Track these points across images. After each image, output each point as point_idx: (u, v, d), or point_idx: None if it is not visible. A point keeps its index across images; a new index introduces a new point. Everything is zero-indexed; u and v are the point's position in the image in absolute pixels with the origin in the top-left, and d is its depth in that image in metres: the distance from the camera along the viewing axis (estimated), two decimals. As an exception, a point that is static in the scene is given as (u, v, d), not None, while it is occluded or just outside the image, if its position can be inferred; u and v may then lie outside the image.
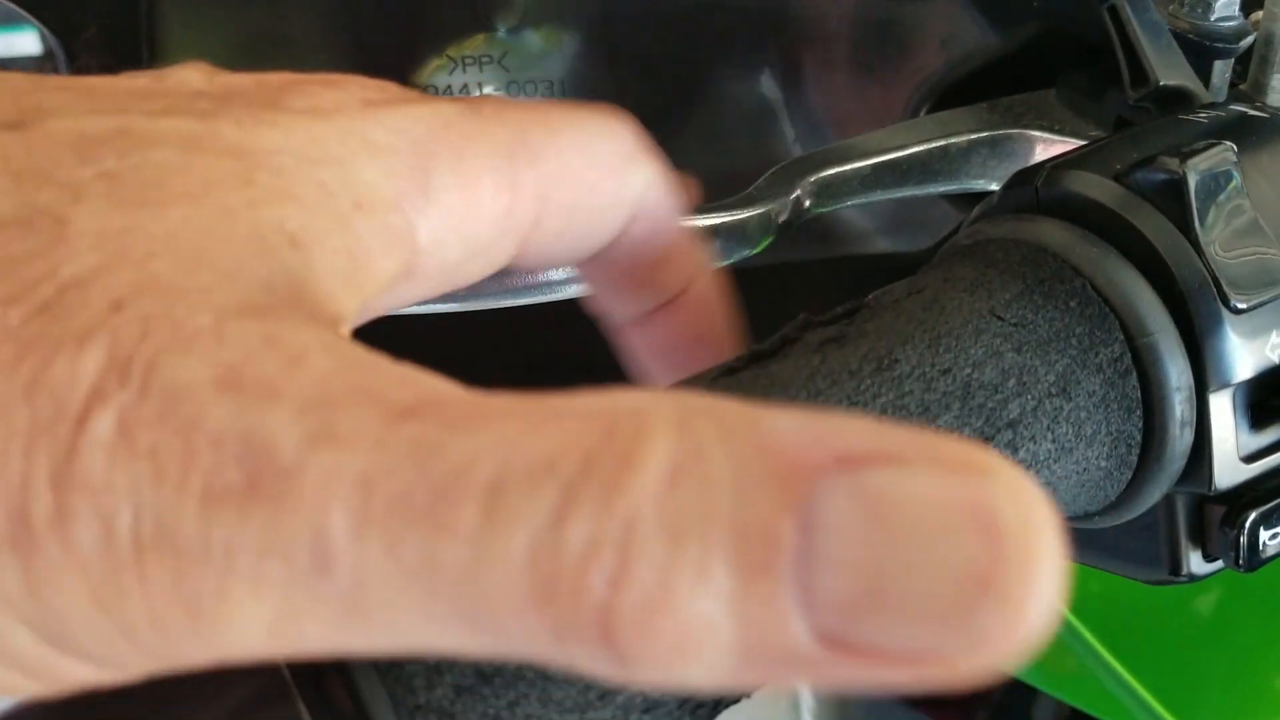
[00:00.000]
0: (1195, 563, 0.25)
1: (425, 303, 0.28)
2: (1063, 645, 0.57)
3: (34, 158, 0.14)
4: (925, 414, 0.21)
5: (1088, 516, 0.25)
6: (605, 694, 0.18)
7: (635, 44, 0.39)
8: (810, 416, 0.13)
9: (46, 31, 0.33)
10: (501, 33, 0.39)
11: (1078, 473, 0.22)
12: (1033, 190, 0.25)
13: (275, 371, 0.13)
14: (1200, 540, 0.25)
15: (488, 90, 0.40)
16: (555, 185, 0.19)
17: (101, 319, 0.13)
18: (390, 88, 0.18)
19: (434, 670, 0.17)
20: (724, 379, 0.22)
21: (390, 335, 0.17)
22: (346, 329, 0.16)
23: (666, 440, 0.12)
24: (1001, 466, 0.12)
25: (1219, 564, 0.25)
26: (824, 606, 0.12)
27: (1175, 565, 0.25)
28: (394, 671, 0.17)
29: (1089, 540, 0.27)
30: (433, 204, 0.17)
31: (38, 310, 0.13)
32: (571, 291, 0.29)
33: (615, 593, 0.12)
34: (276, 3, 0.38)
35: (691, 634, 0.12)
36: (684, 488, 0.12)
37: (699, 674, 0.12)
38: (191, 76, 0.17)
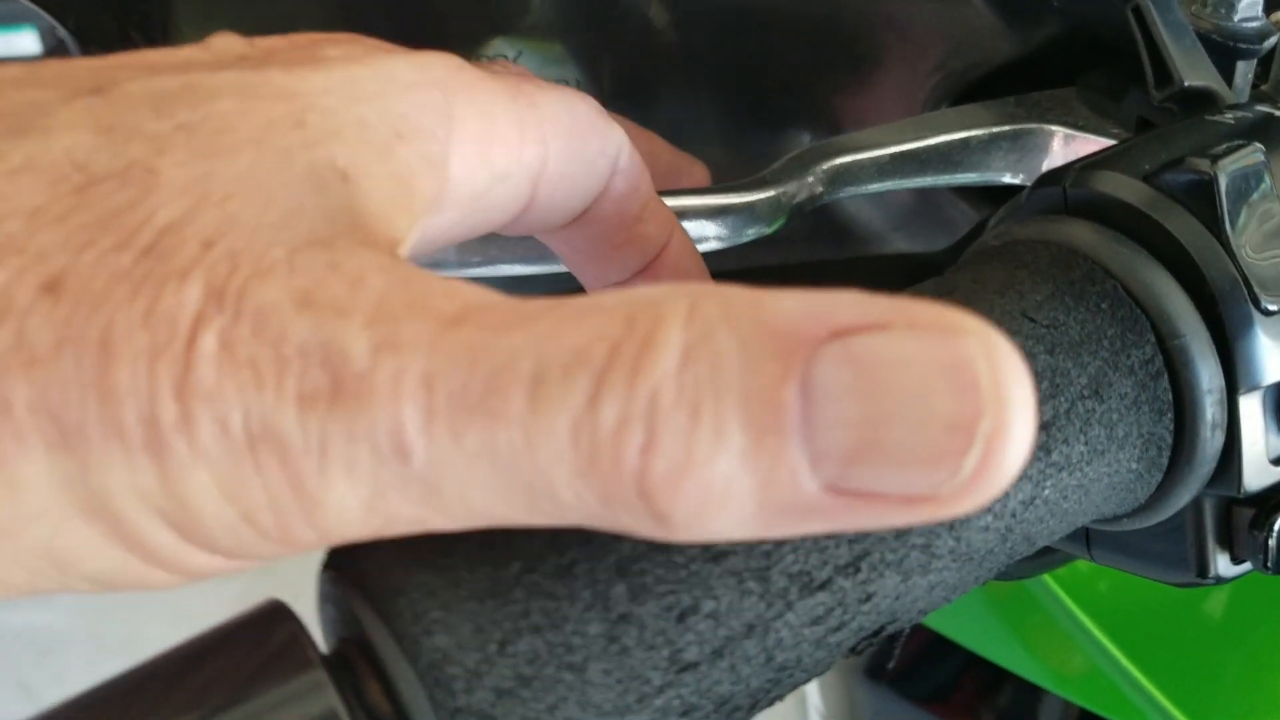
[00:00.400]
0: (1223, 565, 0.25)
1: (471, 265, 0.28)
2: (1073, 645, 0.56)
3: (119, 116, 0.16)
4: None
5: (1117, 519, 0.25)
6: (643, 697, 0.18)
7: (650, 43, 0.39)
8: (806, 295, 0.14)
9: (59, 26, 0.33)
10: (515, 33, 0.38)
11: (1109, 475, 0.22)
12: (1061, 191, 0.25)
13: (341, 292, 0.15)
14: (1228, 543, 0.25)
15: None
16: (552, 130, 0.21)
17: (197, 256, 0.15)
18: (397, 46, 0.20)
19: (473, 673, 0.17)
20: None
21: None
22: (403, 249, 0.18)
23: (679, 325, 0.14)
24: (974, 324, 0.14)
25: (1246, 566, 0.25)
26: (827, 459, 0.14)
27: (1203, 568, 0.25)
28: (434, 673, 0.17)
29: (1115, 543, 0.27)
30: (457, 131, 0.19)
31: (143, 253, 0.15)
32: None
33: (647, 460, 0.14)
34: (285, 2, 0.38)
35: (716, 490, 0.14)
36: (697, 365, 0.14)
37: (727, 527, 0.14)
38: (232, 42, 0.19)
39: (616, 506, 0.14)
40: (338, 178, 0.17)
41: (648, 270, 0.25)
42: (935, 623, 0.65)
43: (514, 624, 0.17)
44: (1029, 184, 0.33)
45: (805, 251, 0.40)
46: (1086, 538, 0.27)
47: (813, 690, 0.76)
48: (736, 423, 0.14)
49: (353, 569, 0.18)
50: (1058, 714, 0.69)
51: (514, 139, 0.20)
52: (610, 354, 0.14)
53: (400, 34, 0.38)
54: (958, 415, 0.13)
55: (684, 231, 0.25)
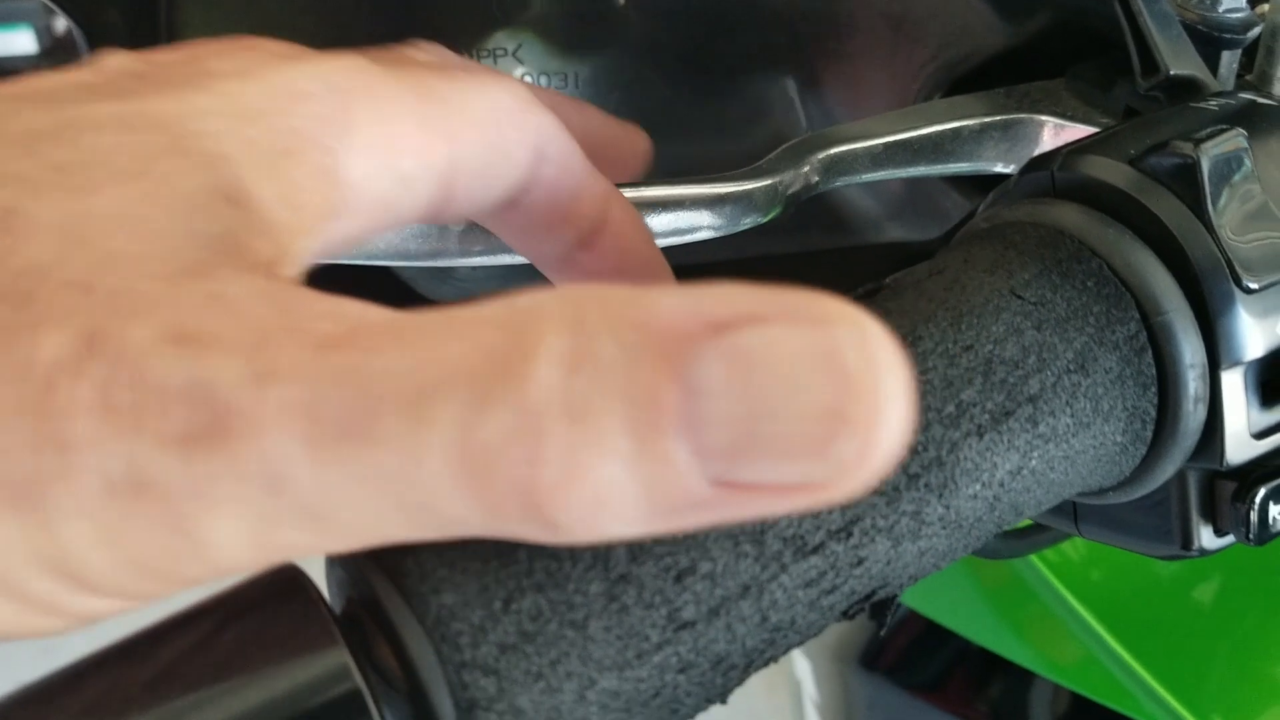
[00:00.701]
0: (1206, 538, 0.26)
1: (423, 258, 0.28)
2: (1067, 632, 0.57)
3: None
4: (949, 388, 0.22)
5: (1103, 492, 0.25)
6: (642, 653, 0.19)
7: (649, 35, 0.39)
8: (686, 292, 0.14)
9: (70, 21, 0.33)
10: (516, 25, 0.39)
11: (1094, 447, 0.23)
12: (1049, 175, 0.26)
13: (218, 324, 0.14)
14: (1211, 515, 0.25)
15: None
16: (462, 126, 0.21)
17: (67, 301, 0.14)
18: (300, 47, 0.20)
19: (479, 629, 0.18)
20: None
21: None
22: (293, 267, 0.17)
23: (559, 333, 0.14)
24: (846, 313, 0.14)
25: (1230, 539, 0.26)
26: (711, 455, 0.14)
27: (1187, 540, 0.26)
28: (440, 629, 0.18)
29: (1102, 517, 0.27)
30: (356, 139, 0.19)
31: (2, 300, 0.14)
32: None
33: (533, 472, 0.14)
34: (291, 8, 0.39)
35: (604, 495, 0.14)
36: (579, 373, 0.14)
37: (618, 528, 0.14)
38: (121, 60, 0.19)
39: (505, 518, 0.14)
40: (223, 203, 0.16)
41: (586, 244, 0.25)
42: (930, 610, 0.66)
43: (517, 582, 0.18)
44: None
45: (800, 241, 0.41)
46: (1074, 512, 0.28)
47: (808, 679, 0.76)
48: (620, 428, 0.14)
49: None
50: (1051, 701, 0.69)
51: (418, 140, 0.20)
52: (489, 367, 0.14)
53: (400, 27, 0.39)
54: (830, 404, 0.14)
55: (625, 203, 0.25)
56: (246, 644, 0.18)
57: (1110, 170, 0.25)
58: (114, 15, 0.35)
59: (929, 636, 0.69)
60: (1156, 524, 0.26)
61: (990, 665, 0.68)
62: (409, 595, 0.18)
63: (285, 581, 0.19)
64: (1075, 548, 0.56)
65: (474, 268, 0.34)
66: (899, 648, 0.73)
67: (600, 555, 0.19)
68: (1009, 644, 0.63)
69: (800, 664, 0.78)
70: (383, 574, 0.18)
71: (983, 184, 0.38)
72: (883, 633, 0.26)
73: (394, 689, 0.18)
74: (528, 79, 0.40)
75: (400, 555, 0.18)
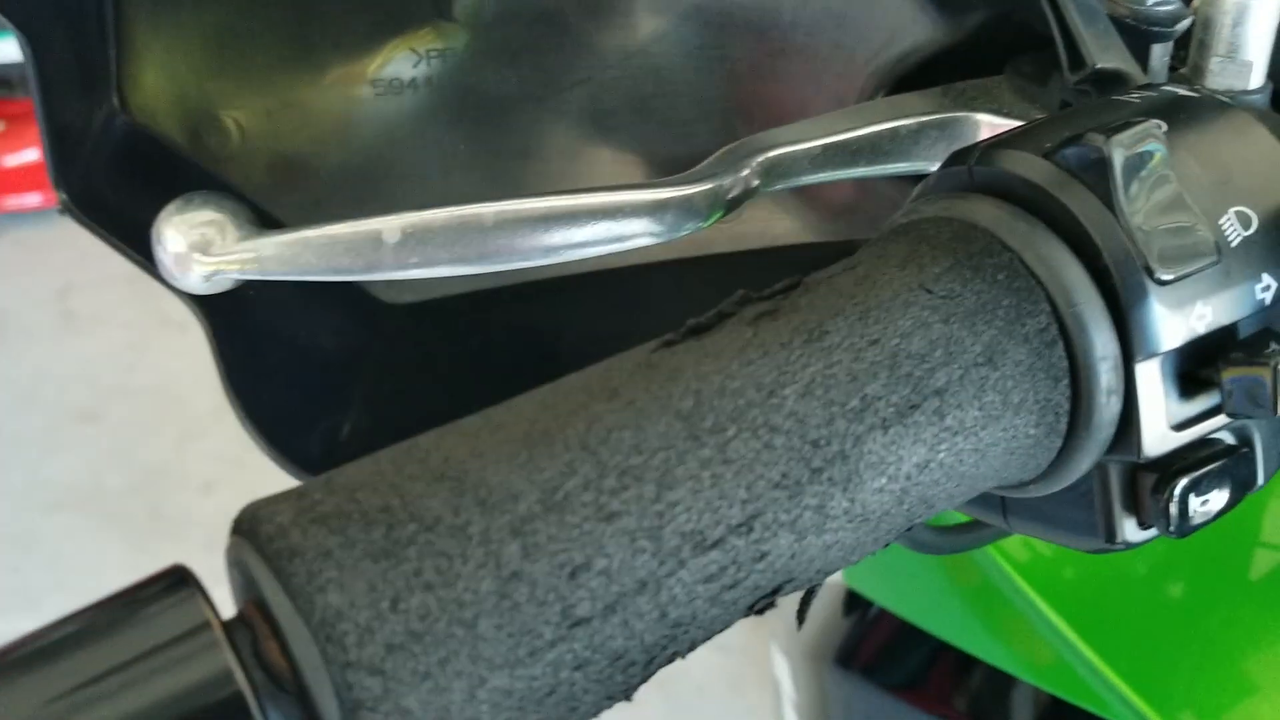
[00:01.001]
0: (1130, 530, 0.26)
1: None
2: (1038, 633, 0.57)
3: None
4: (853, 382, 0.22)
5: (1023, 485, 0.25)
6: (535, 651, 0.19)
7: (591, 33, 0.39)
8: None
9: (17, 30, 0.33)
10: (462, 23, 0.39)
11: (1006, 440, 0.23)
12: (967, 170, 0.25)
13: None
14: (1134, 508, 0.25)
15: (450, 81, 0.40)
16: None
17: None
18: None
19: (365, 629, 0.18)
20: (661, 351, 0.22)
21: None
22: None
23: None
24: None
25: (1154, 531, 0.26)
26: None
27: (1110, 533, 0.26)
28: (326, 630, 0.18)
29: (1029, 511, 0.27)
30: None
31: None
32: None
33: None
34: (242, 9, 0.39)
35: None
36: None
37: None
38: None
39: None
40: None
41: None
42: (905, 611, 0.66)
43: (406, 582, 0.18)
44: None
45: (755, 239, 0.41)
46: (1003, 507, 0.28)
47: (785, 679, 0.76)
48: None
49: (253, 532, 0.19)
50: (1028, 700, 0.69)
51: None
52: None
53: (349, 23, 0.39)
54: None
55: None
56: (132, 644, 0.18)
57: (1024, 164, 0.25)
58: (60, 32, 0.35)
59: (905, 636, 0.69)
60: (1081, 517, 0.26)
61: (966, 665, 0.68)
62: (295, 595, 0.18)
63: (173, 582, 0.19)
64: (1046, 545, 0.56)
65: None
66: (875, 647, 0.73)
67: (492, 553, 0.19)
68: (983, 644, 0.63)
69: (778, 664, 0.78)
70: (271, 574, 0.18)
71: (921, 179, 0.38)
72: (799, 627, 0.26)
73: (283, 689, 0.18)
74: (473, 76, 0.40)
75: (289, 555, 0.18)
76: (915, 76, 0.37)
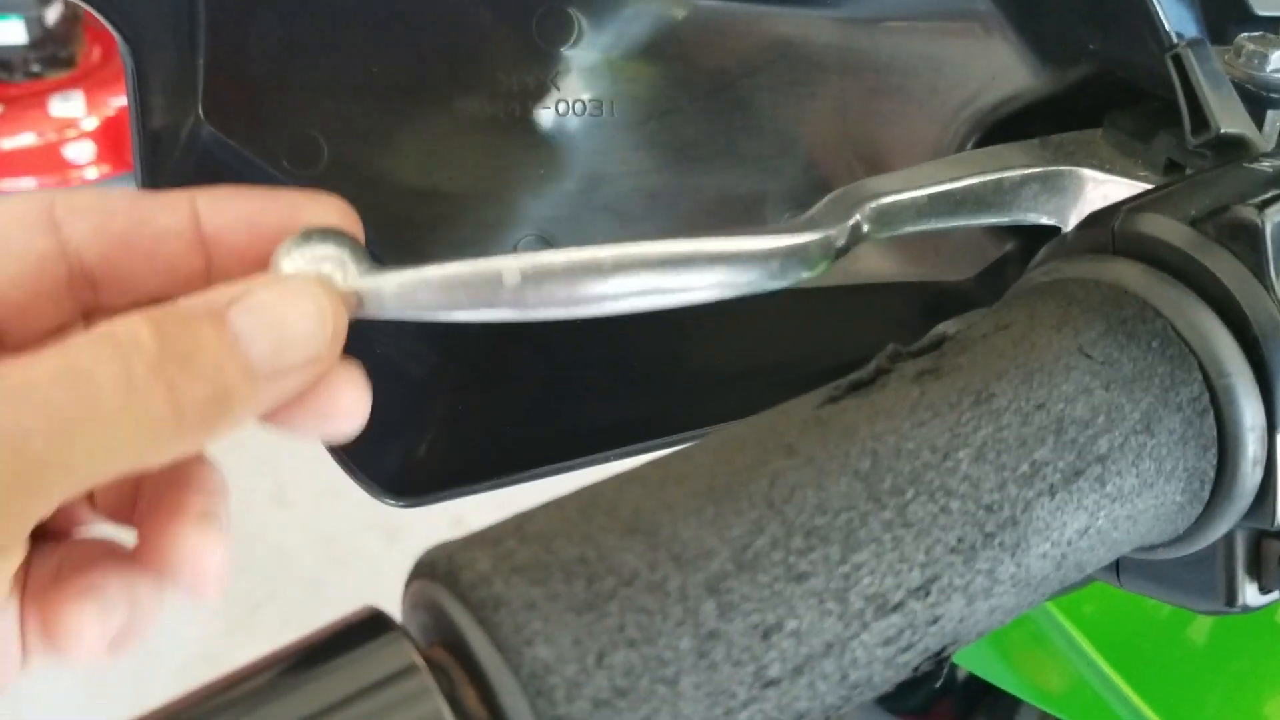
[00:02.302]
0: (1251, 595, 0.26)
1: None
2: (1056, 661, 0.58)
3: None
4: (1023, 447, 0.22)
5: (1153, 548, 0.26)
6: (729, 711, 0.19)
7: (687, 69, 0.40)
8: (205, 293, 0.23)
9: (121, 38, 0.33)
10: (554, 54, 0.39)
11: (1155, 506, 0.23)
12: (1108, 232, 0.26)
13: None
14: (1257, 573, 0.26)
15: (537, 110, 0.40)
16: None
17: None
18: None
19: (573, 684, 0.18)
20: (828, 407, 0.22)
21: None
22: None
23: (147, 325, 0.22)
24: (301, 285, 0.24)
25: (1274, 596, 0.26)
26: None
27: (1231, 597, 0.26)
28: (535, 683, 0.18)
29: (1146, 571, 0.28)
30: None
31: None
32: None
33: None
34: (330, 18, 0.38)
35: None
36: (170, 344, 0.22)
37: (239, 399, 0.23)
38: None
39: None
40: None
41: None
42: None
43: (610, 637, 0.18)
44: (1059, 224, 0.34)
45: (839, 276, 0.41)
46: (1116, 564, 0.28)
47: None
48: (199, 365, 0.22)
49: (452, 578, 0.19)
50: (1031, 722, 0.70)
51: None
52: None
53: (442, 56, 0.39)
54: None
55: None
56: (340, 689, 0.18)
57: (1171, 230, 0.25)
58: (158, 39, 0.35)
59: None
60: (1201, 580, 0.26)
61: (978, 691, 0.69)
62: (503, 646, 0.18)
63: (374, 624, 0.19)
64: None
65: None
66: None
67: (690, 610, 0.19)
68: (996, 670, 0.63)
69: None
70: (476, 624, 0.18)
71: (1011, 229, 0.38)
72: (938, 685, 0.26)
73: None
74: (562, 105, 0.40)
75: (493, 605, 0.18)
76: (1007, 125, 0.38)
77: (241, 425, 0.23)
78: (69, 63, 2.23)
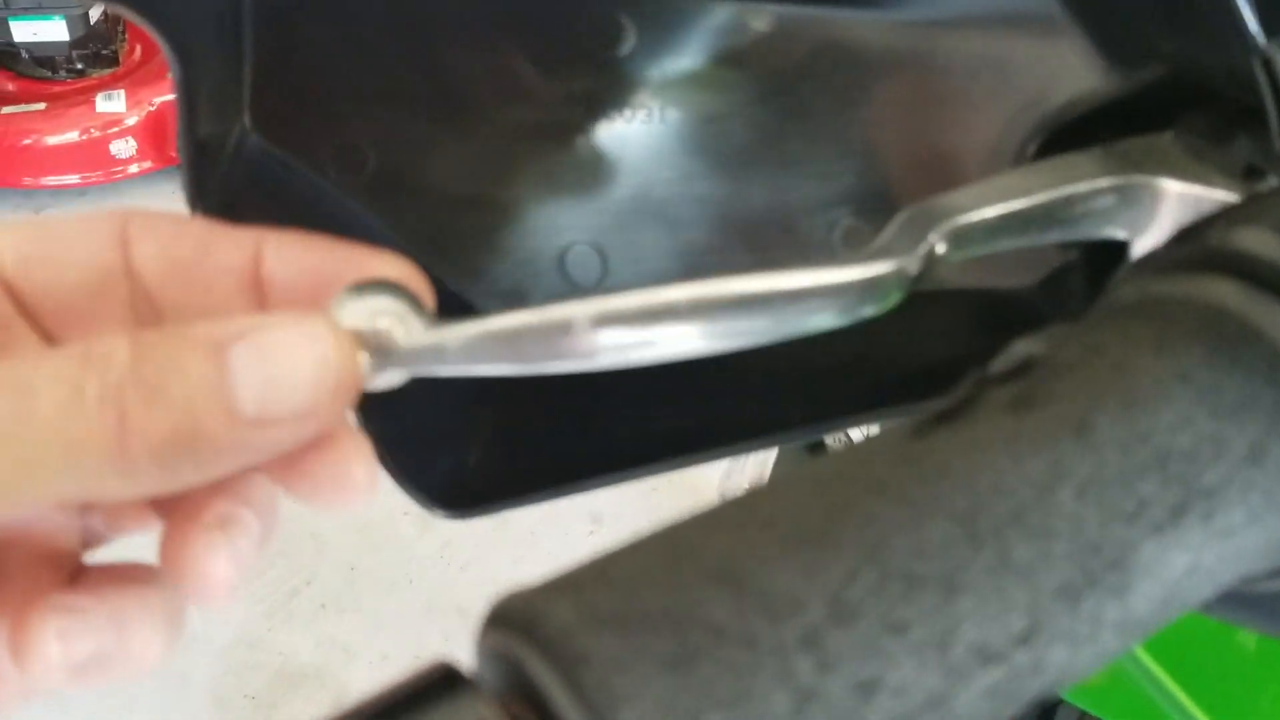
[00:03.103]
0: None
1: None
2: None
3: None
4: (1126, 483, 0.21)
5: (1256, 580, 0.25)
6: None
7: (739, 74, 0.39)
8: (216, 322, 0.22)
9: (169, 48, 0.32)
10: (605, 61, 0.38)
11: (1264, 541, 0.22)
12: (1202, 247, 0.25)
13: None
14: None
15: (586, 117, 0.39)
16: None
17: None
18: None
19: (645, 715, 0.17)
20: (915, 443, 0.21)
21: None
22: None
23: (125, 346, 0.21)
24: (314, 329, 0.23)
25: None
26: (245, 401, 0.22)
27: None
28: (599, 709, 0.17)
29: (1237, 599, 0.27)
30: None
31: None
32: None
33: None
34: (378, 26, 0.38)
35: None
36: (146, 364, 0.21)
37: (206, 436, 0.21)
38: None
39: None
40: None
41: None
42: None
43: (701, 697, 0.17)
44: (1129, 237, 0.32)
45: None
46: None
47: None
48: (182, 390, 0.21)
49: (530, 628, 0.18)
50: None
51: None
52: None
53: (494, 62, 0.38)
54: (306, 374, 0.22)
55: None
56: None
57: (1269, 244, 0.24)
58: (206, 47, 0.34)
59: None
60: None
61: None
62: (594, 709, 0.17)
63: (449, 680, 0.18)
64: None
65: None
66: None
67: (785, 667, 0.18)
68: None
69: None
70: (560, 682, 0.17)
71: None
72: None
73: None
74: (611, 112, 0.40)
75: (577, 661, 0.17)
76: (1070, 129, 0.36)
77: (216, 470, 0.22)
78: (112, 60, 2.25)
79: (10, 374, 0.20)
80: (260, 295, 0.25)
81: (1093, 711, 0.62)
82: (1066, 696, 0.62)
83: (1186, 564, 0.21)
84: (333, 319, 0.24)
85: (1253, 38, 0.29)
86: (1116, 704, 0.56)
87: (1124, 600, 0.20)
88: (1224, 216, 0.25)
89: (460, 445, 0.40)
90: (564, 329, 0.25)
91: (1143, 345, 0.23)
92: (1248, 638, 0.54)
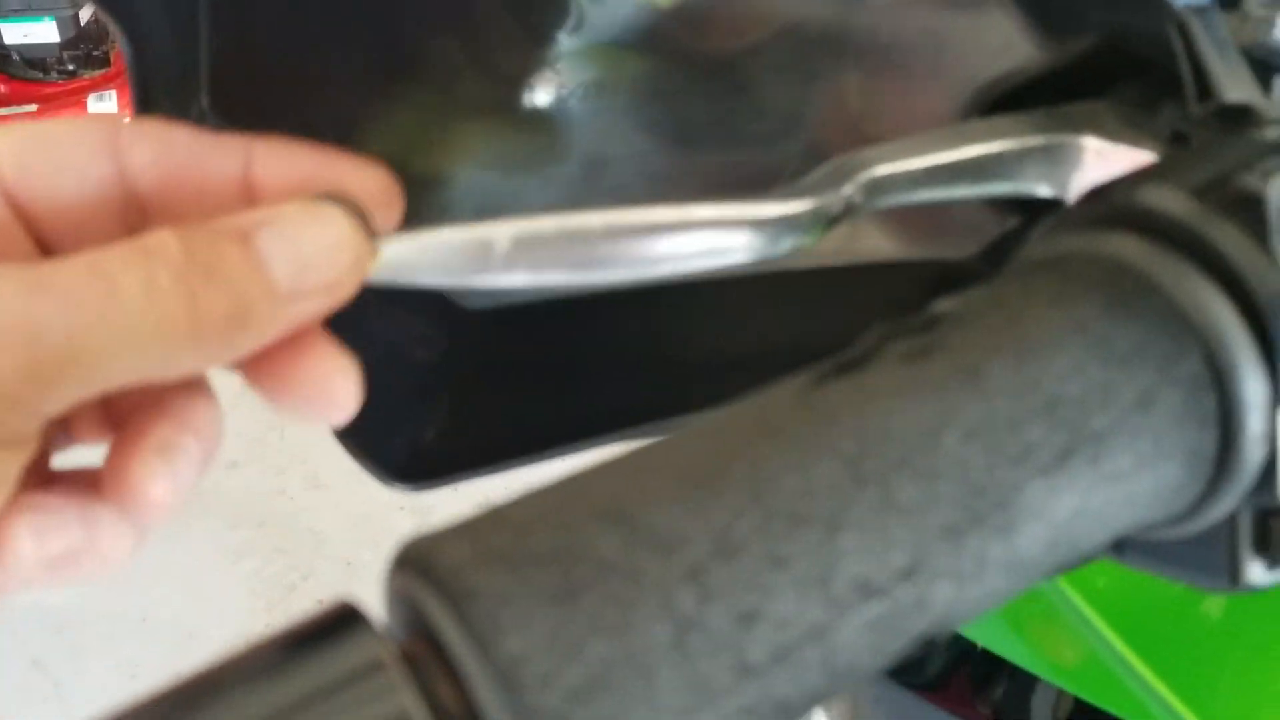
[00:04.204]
0: (1257, 573, 0.26)
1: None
2: (1070, 636, 0.57)
3: None
4: (1013, 427, 0.22)
5: (1155, 527, 0.25)
6: (708, 700, 0.19)
7: (687, 51, 0.39)
8: (236, 217, 0.25)
9: (120, 30, 0.33)
10: (554, 40, 0.39)
11: (1154, 486, 0.23)
12: (1109, 205, 0.25)
13: None
14: (1265, 550, 0.25)
15: (538, 95, 0.40)
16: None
17: None
18: None
19: (547, 675, 0.18)
20: (816, 390, 0.22)
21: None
22: None
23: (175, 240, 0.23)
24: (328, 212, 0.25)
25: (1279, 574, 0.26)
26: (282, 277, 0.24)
27: (1235, 575, 0.26)
28: (509, 675, 0.18)
29: (1149, 549, 0.27)
30: None
31: None
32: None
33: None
34: (333, 7, 0.38)
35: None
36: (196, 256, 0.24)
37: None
38: None
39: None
40: None
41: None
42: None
43: (585, 627, 0.18)
44: (1060, 196, 0.33)
45: (841, 255, 0.41)
46: (1120, 542, 0.28)
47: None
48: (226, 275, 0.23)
49: (425, 568, 0.19)
50: (1052, 702, 0.70)
51: None
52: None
53: (445, 45, 0.39)
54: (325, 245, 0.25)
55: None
56: (308, 681, 0.18)
57: (1173, 201, 0.24)
58: (158, 31, 0.35)
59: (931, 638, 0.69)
60: (1206, 558, 0.26)
61: (992, 666, 0.69)
62: (477, 640, 0.18)
63: (346, 621, 0.19)
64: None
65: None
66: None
67: (666, 599, 0.19)
68: (1011, 646, 0.63)
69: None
70: (451, 616, 0.18)
71: (1013, 201, 0.38)
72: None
73: None
74: (563, 90, 0.40)
75: (468, 597, 0.18)
76: (1011, 99, 0.37)
77: (263, 340, 0.24)
78: (103, 61, 2.26)
79: (92, 263, 0.22)
80: (251, 199, 0.27)
81: (1070, 690, 0.62)
82: (1042, 674, 0.62)
83: (1073, 506, 0.22)
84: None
85: (1169, 3, 0.29)
86: (1091, 682, 0.57)
87: (1009, 540, 0.21)
88: (1131, 176, 0.25)
89: (419, 419, 0.41)
90: (485, 246, 0.27)
91: (1041, 298, 0.24)
92: (1212, 607, 0.55)
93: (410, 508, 1.72)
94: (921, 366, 0.22)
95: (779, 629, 0.19)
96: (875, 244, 0.42)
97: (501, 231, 0.28)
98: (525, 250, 0.28)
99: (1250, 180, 0.23)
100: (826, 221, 0.31)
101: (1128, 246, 0.24)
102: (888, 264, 0.42)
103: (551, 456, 0.39)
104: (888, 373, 0.22)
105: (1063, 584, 0.56)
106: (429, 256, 0.27)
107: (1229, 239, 0.23)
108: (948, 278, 0.41)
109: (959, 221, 0.40)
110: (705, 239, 0.29)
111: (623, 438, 0.39)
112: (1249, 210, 0.23)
